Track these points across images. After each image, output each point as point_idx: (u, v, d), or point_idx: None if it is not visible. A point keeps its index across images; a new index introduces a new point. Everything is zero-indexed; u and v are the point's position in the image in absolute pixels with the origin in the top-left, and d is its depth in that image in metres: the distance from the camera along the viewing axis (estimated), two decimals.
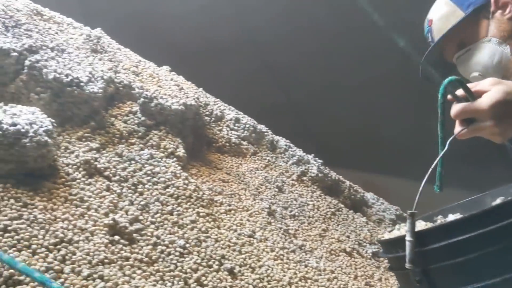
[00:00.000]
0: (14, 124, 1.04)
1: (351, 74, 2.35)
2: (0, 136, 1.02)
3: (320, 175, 1.73)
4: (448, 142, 0.87)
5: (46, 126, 1.09)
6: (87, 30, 1.61)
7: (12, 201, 0.99)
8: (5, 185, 1.02)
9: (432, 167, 0.85)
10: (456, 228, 0.78)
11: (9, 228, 0.94)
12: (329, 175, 1.78)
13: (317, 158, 1.83)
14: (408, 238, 0.79)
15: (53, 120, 1.13)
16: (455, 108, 0.89)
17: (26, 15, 1.47)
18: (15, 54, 1.27)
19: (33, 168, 1.07)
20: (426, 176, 0.83)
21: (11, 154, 1.04)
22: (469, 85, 0.90)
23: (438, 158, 0.86)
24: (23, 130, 1.04)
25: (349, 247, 1.49)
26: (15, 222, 0.96)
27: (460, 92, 0.89)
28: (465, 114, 0.89)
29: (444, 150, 0.86)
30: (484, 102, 0.86)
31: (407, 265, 0.78)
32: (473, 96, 0.88)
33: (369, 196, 1.88)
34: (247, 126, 1.79)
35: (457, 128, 0.91)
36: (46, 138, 1.07)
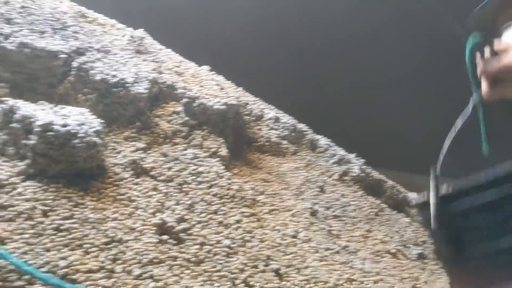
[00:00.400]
0: (65, 125, 1.06)
1: (398, 67, 2.27)
2: (52, 136, 1.04)
3: (362, 174, 1.70)
4: (470, 103, 0.83)
5: (95, 127, 1.10)
6: (130, 31, 1.63)
7: (64, 200, 1.02)
8: (57, 185, 1.04)
9: (454, 128, 0.82)
10: (477, 191, 0.79)
11: (62, 227, 0.96)
12: (371, 174, 1.75)
13: (359, 158, 1.80)
14: (431, 199, 0.80)
15: (102, 121, 1.15)
16: (481, 65, 0.84)
17: (72, 17, 1.50)
18: (64, 56, 1.30)
19: (82, 168, 1.09)
20: (453, 136, 0.81)
21: (62, 154, 1.06)
22: (495, 41, 0.85)
23: (462, 121, 0.83)
24: (73, 131, 1.07)
25: (394, 248, 1.46)
26: (67, 221, 0.98)
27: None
28: (492, 71, 0.83)
29: (468, 114, 0.84)
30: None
31: (432, 225, 0.79)
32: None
33: (412, 196, 1.84)
34: (287, 125, 1.77)
35: (484, 89, 0.86)
36: (95, 138, 1.09)
